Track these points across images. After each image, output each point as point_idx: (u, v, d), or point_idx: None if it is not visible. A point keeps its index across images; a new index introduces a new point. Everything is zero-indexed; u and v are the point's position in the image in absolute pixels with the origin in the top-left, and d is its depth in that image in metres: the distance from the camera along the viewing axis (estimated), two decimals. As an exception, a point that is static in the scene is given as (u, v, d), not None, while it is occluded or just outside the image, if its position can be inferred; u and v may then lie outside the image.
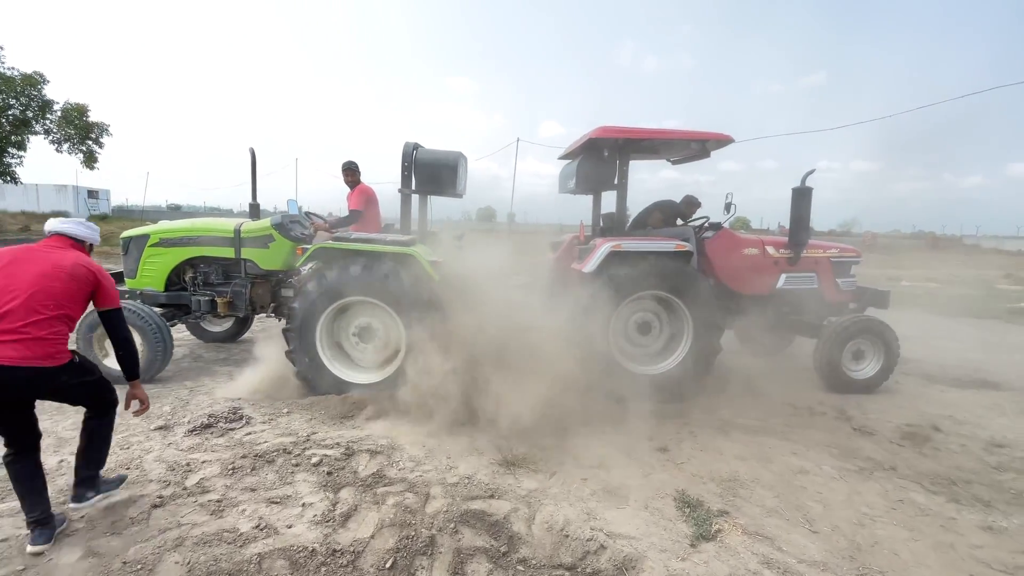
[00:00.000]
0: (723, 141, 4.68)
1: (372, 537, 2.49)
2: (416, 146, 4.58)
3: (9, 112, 17.42)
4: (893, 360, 4.97)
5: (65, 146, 19.10)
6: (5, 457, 2.39)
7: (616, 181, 4.90)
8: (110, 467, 3.05)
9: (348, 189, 5.45)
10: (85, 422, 2.65)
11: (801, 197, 4.85)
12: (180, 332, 6.04)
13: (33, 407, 2.41)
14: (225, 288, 4.91)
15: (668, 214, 5.55)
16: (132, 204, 39.30)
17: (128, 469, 3.04)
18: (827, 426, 4.08)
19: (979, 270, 19.98)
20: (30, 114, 17.91)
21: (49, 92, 18.08)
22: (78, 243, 2.61)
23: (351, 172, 5.51)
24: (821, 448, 3.64)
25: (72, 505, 2.61)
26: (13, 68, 17.33)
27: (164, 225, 5.04)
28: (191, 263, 4.97)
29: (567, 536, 2.55)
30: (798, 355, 5.97)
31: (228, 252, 4.87)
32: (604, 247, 4.45)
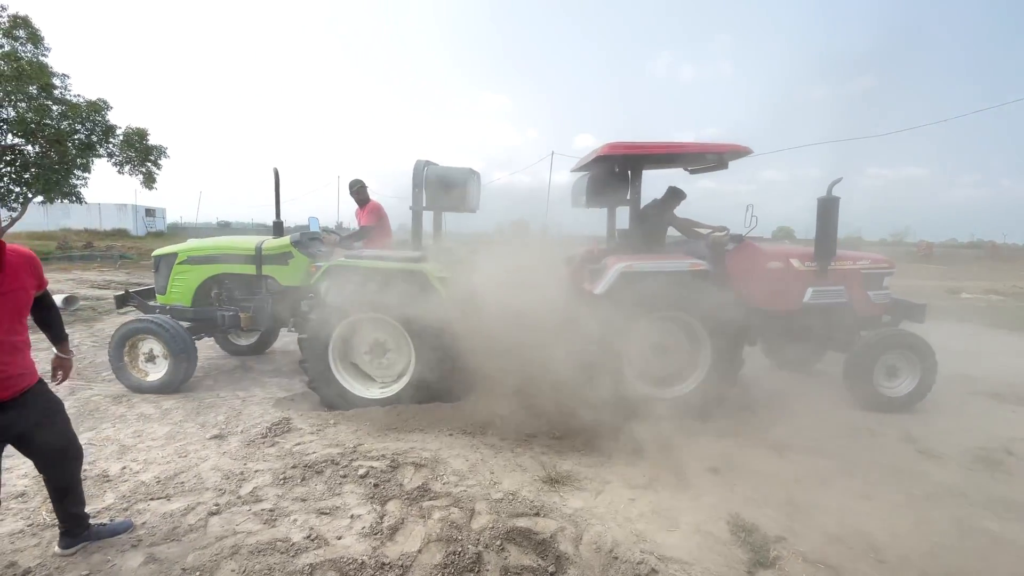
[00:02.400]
0: (740, 152, 4.45)
1: (419, 552, 2.49)
2: (427, 163, 4.69)
3: (75, 136, 18.59)
4: (931, 377, 4.67)
5: (126, 168, 20.22)
6: None
7: (628, 196, 4.76)
8: (167, 474, 3.18)
9: (357, 206, 5.72)
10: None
11: (827, 207, 4.59)
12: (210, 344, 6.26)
13: None
14: (248, 303, 5.08)
15: (656, 219, 5.06)
16: (186, 221, 41.38)
17: (186, 475, 3.16)
18: (889, 448, 3.86)
19: (1047, 281, 18.70)
20: (94, 138, 19.04)
21: (112, 117, 19.26)
22: None
23: (359, 190, 5.74)
24: (884, 471, 3.43)
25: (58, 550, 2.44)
26: (79, 95, 18.53)
27: (191, 244, 5.28)
28: (216, 279, 5.17)
29: (616, 558, 2.48)
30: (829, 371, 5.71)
31: (250, 269, 5.06)
32: (615, 268, 4.30)
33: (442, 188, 4.63)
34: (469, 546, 2.52)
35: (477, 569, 2.39)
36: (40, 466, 2.34)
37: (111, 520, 2.65)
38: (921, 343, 4.66)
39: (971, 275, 19.87)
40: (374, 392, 4.44)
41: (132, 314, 5.64)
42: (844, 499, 3.06)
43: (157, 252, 5.34)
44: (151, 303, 5.32)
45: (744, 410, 4.42)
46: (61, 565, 2.37)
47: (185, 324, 4.93)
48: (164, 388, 4.68)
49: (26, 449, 2.26)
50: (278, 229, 5.47)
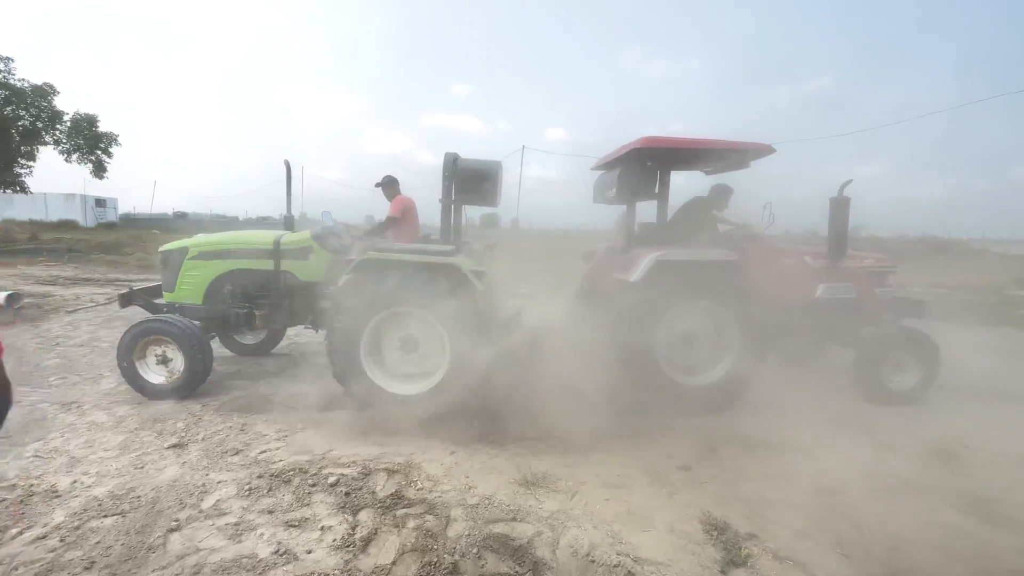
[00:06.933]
0: (763, 151, 4.66)
1: (394, 563, 2.42)
2: (456, 157, 4.57)
3: (19, 123, 17.53)
4: (936, 371, 4.97)
5: (74, 156, 19.22)
6: None
7: (656, 191, 4.93)
8: (122, 488, 3.00)
9: (388, 202, 5.66)
10: None
11: (839, 207, 4.91)
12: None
13: None
14: (263, 301, 4.91)
15: (700, 214, 5.32)
16: (139, 212, 39.58)
17: (142, 488, 2.99)
18: (851, 442, 3.99)
19: (989, 275, 19.80)
20: (40, 125, 18.03)
21: (59, 103, 18.24)
22: None
23: (389, 186, 5.76)
24: (848, 465, 3.54)
25: None
26: (23, 80, 17.48)
27: (203, 238, 5.04)
28: (229, 276, 4.95)
29: (593, 562, 2.48)
30: (818, 366, 5.90)
31: (267, 264, 4.87)
32: (650, 256, 4.45)
33: (472, 182, 4.54)
34: (445, 555, 2.47)
35: (454, 579, 2.34)
36: None
37: None
38: (928, 339, 4.95)
39: (918, 269, 20.85)
40: (406, 389, 4.31)
41: (92, 313, 5.33)
42: (811, 494, 3.14)
43: (165, 247, 5.05)
44: (158, 301, 5.06)
45: (735, 403, 4.52)
46: None
47: (196, 323, 4.68)
48: (178, 392, 4.43)
49: None
50: (289, 223, 5.32)
